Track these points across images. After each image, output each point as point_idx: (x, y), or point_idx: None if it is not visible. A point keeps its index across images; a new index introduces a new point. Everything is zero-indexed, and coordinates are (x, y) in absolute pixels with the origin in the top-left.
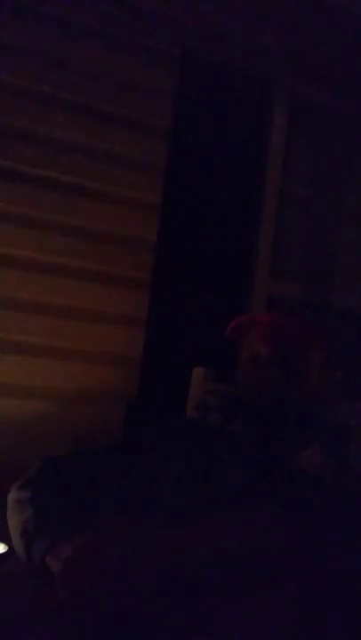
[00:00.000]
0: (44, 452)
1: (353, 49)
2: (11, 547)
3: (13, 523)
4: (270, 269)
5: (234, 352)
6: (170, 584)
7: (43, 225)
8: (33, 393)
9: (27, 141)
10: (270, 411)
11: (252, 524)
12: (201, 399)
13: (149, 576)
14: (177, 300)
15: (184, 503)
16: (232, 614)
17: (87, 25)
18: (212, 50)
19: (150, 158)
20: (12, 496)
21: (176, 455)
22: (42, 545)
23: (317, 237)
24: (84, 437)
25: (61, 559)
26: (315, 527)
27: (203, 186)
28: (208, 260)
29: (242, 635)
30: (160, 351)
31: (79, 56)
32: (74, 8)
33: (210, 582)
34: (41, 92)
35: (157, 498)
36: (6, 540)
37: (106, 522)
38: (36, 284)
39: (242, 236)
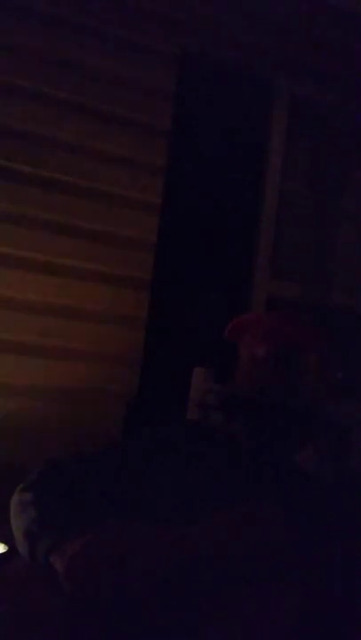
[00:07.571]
0: (44, 451)
1: (353, 49)
2: (11, 547)
3: (17, 524)
4: (270, 269)
5: (234, 352)
6: (170, 584)
7: (43, 225)
8: (33, 393)
9: (27, 141)
10: (269, 410)
11: (251, 524)
12: (201, 399)
13: (150, 576)
14: (177, 300)
15: (184, 503)
16: (232, 614)
17: (87, 25)
18: (212, 50)
19: (150, 158)
20: (15, 499)
21: (176, 455)
22: (46, 544)
23: (317, 237)
24: (84, 437)
25: (66, 557)
26: (314, 527)
27: (203, 186)
28: (208, 259)
29: (242, 635)
30: (160, 351)
31: (79, 56)
32: (74, 8)
33: (210, 582)
34: (41, 92)
35: (158, 498)
36: (6, 541)
37: (108, 522)
38: (36, 284)
39: (242, 236)
